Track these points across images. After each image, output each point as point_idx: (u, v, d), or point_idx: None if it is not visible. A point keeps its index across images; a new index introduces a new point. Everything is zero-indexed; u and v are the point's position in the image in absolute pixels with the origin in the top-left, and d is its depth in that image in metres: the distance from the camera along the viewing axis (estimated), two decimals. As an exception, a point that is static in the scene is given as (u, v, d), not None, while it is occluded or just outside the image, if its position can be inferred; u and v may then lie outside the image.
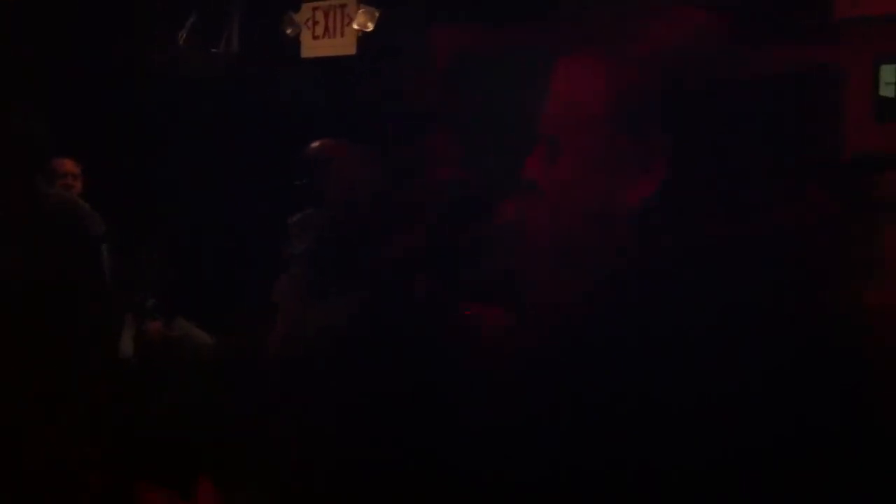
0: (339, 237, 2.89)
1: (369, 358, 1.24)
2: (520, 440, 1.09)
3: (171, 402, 2.90)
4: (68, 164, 3.69)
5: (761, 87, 1.13)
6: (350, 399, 1.27)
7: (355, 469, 1.22)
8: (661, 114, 1.05)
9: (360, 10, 4.77)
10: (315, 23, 4.96)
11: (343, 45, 4.87)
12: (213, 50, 4.98)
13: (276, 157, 4.57)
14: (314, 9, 4.93)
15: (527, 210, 1.13)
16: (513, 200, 1.26)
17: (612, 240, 1.07)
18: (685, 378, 1.01)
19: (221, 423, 2.55)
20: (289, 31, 4.94)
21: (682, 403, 1.01)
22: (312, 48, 4.96)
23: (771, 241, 1.10)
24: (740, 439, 1.00)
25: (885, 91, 4.26)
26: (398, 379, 1.23)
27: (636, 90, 1.07)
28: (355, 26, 4.78)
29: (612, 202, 1.07)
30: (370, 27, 4.74)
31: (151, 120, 4.70)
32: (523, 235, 1.14)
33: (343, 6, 4.86)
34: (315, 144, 3.00)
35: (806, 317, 1.09)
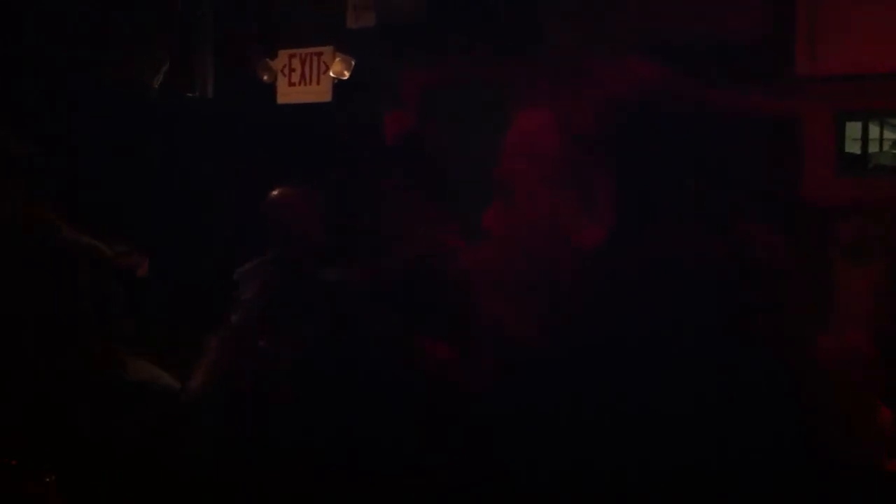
0: (288, 275, 3.03)
1: (321, 389, 1.25)
2: (471, 471, 1.10)
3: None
4: None
5: (716, 136, 1.16)
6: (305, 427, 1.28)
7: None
8: (608, 161, 1.07)
9: (337, 59, 4.83)
10: (291, 70, 5.01)
11: (319, 92, 4.92)
12: (189, 95, 5.01)
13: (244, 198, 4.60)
14: (291, 56, 4.99)
15: (483, 257, 1.15)
16: (472, 248, 1.28)
17: (565, 283, 1.09)
18: (634, 417, 1.03)
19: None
20: (265, 78, 4.99)
21: (631, 441, 1.02)
22: (288, 94, 5.01)
23: (723, 282, 1.12)
24: (693, 480, 1.01)
25: (851, 147, 4.35)
26: (351, 410, 1.24)
27: (584, 139, 1.09)
28: (332, 74, 4.84)
29: (565, 247, 1.09)
30: (346, 75, 4.80)
31: (130, 155, 4.73)
32: (481, 280, 1.16)
33: (319, 54, 4.92)
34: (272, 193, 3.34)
35: (759, 359, 1.10)
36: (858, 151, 4.55)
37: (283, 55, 5.00)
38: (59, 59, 4.56)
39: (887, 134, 5.97)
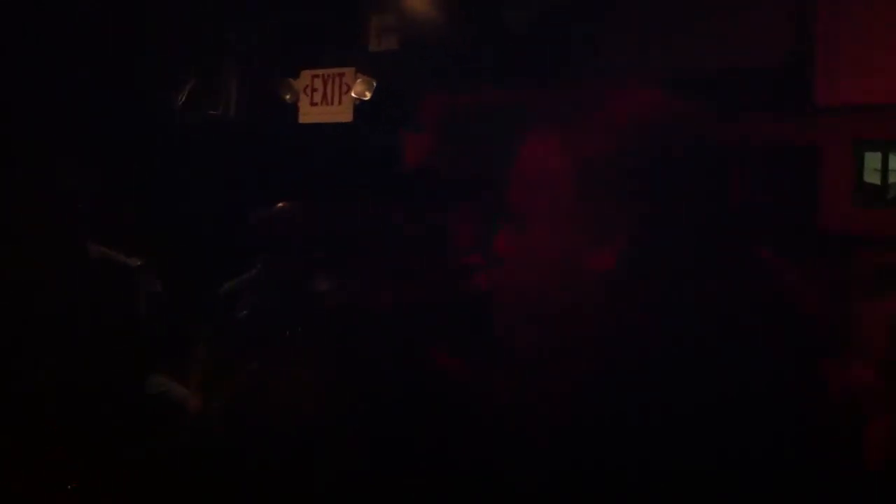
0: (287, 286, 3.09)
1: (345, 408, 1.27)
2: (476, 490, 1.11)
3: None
4: None
5: (729, 162, 1.17)
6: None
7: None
8: (620, 186, 1.09)
9: (359, 79, 4.87)
10: (314, 90, 5.06)
11: (340, 113, 4.96)
12: (211, 112, 5.07)
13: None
14: (313, 76, 5.03)
15: (496, 279, 1.17)
16: (485, 271, 1.30)
17: (577, 304, 1.10)
18: (642, 438, 1.04)
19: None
20: (287, 98, 5.03)
21: (645, 461, 1.03)
22: (310, 114, 5.05)
23: (735, 308, 1.13)
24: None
25: (870, 177, 4.33)
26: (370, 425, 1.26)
27: (594, 164, 1.10)
28: (353, 95, 4.88)
29: (576, 270, 1.10)
30: (368, 96, 4.84)
31: (151, 169, 4.78)
32: (494, 301, 1.18)
33: (341, 75, 4.96)
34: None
35: (768, 386, 1.11)
36: (878, 182, 4.53)
37: (306, 75, 5.05)
38: (89, 79, 4.62)
39: (908, 165, 5.93)
